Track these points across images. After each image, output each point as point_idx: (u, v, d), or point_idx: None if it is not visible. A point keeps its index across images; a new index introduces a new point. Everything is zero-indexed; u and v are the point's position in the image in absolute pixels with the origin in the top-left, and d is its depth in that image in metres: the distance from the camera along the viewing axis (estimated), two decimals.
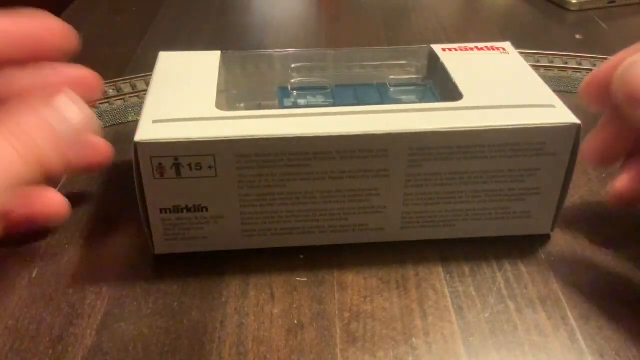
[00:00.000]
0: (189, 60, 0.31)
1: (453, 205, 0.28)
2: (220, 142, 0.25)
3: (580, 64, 0.45)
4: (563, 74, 0.44)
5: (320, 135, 0.25)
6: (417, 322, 0.25)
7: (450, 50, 0.32)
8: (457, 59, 0.31)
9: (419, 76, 0.34)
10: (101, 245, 0.29)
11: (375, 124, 0.26)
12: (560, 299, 0.26)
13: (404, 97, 0.32)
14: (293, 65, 0.33)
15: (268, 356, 0.24)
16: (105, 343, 0.24)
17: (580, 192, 0.33)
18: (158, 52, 0.32)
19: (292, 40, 0.51)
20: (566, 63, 0.45)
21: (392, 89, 0.32)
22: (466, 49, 0.32)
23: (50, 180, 0.24)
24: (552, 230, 0.29)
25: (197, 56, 0.31)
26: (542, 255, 0.29)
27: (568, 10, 0.57)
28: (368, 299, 0.26)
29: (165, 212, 0.26)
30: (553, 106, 0.27)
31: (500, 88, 0.28)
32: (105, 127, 0.38)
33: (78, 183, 0.33)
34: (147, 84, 0.34)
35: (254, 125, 0.25)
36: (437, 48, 0.33)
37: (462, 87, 0.28)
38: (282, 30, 0.54)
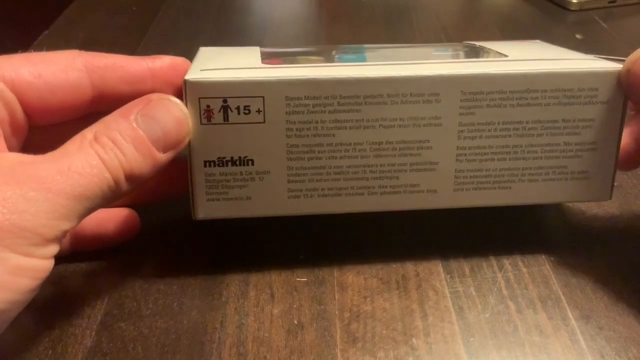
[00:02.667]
0: (230, 50, 0.31)
1: (508, 163, 0.27)
2: (270, 82, 0.24)
3: None
4: None
5: (372, 77, 0.25)
6: (417, 322, 0.25)
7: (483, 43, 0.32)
8: (494, 45, 0.31)
9: (459, 52, 0.33)
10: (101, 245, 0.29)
11: (426, 68, 0.25)
12: (561, 299, 0.26)
13: (434, 54, 0.32)
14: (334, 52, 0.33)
15: (268, 356, 0.24)
16: (105, 343, 0.24)
17: None
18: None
19: (292, 40, 0.51)
20: None
21: (434, 51, 0.32)
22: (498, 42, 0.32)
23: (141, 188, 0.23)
24: (610, 197, 0.28)
25: (238, 49, 0.31)
26: (543, 256, 0.29)
27: (568, 10, 0.57)
28: (368, 299, 0.26)
29: (209, 165, 0.25)
30: (595, 59, 0.27)
31: (544, 55, 0.28)
32: None
33: None
34: None
35: (304, 70, 0.25)
36: (469, 43, 0.32)
37: (507, 53, 0.28)
38: (282, 30, 0.54)
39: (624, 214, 0.31)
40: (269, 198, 0.26)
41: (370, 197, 0.27)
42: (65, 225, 0.21)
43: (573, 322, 0.25)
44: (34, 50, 0.48)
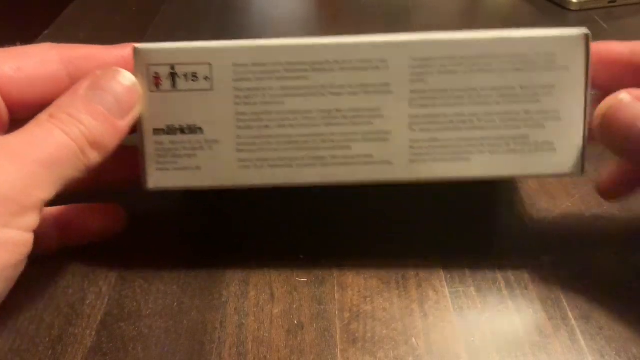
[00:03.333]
0: None
1: (465, 132, 0.26)
2: (216, 49, 0.25)
3: None
4: None
5: (318, 43, 0.25)
6: (417, 322, 0.25)
7: None
8: None
9: None
10: (101, 245, 0.29)
11: (374, 35, 0.25)
12: (561, 299, 0.26)
13: None
14: None
15: (268, 356, 0.24)
16: (105, 343, 0.24)
17: (580, 191, 0.33)
18: None
19: None
20: None
21: None
22: None
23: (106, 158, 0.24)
24: (582, 171, 0.26)
25: None
26: (543, 255, 0.28)
27: (568, 10, 0.57)
28: (368, 299, 0.26)
29: (159, 134, 0.26)
30: (562, 29, 0.26)
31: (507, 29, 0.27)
32: None
33: None
34: None
35: (252, 40, 0.25)
36: None
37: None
38: (282, 30, 0.54)
39: (625, 214, 0.31)
40: (219, 168, 0.26)
41: (323, 168, 0.26)
42: (41, 193, 0.21)
43: (573, 322, 0.25)
44: None
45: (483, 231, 0.30)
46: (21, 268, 0.22)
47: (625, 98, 0.24)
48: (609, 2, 0.57)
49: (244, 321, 0.25)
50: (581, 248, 0.29)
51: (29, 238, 0.21)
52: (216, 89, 0.25)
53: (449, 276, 0.27)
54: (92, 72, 0.24)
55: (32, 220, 0.21)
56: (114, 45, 0.27)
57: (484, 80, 0.25)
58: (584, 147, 0.26)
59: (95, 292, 0.26)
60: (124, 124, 0.24)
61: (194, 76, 0.25)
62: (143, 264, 0.28)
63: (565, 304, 0.26)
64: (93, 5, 0.58)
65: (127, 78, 0.24)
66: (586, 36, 0.25)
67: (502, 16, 0.57)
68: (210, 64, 0.25)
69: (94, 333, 0.25)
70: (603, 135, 0.24)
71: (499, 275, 0.27)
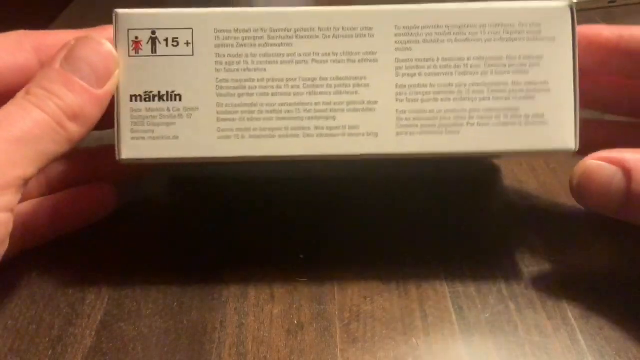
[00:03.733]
0: None
1: (453, 103, 0.25)
2: (198, 14, 0.25)
3: None
4: None
5: (302, 10, 0.25)
6: (417, 322, 0.25)
7: None
8: None
9: None
10: (101, 245, 0.29)
11: (359, 2, 0.25)
12: (561, 299, 0.26)
13: None
14: None
15: (268, 356, 0.24)
16: (105, 343, 0.24)
17: None
18: None
19: None
20: None
21: None
22: None
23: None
24: (576, 147, 0.26)
25: None
26: (543, 255, 0.28)
27: None
28: (368, 299, 0.26)
29: (136, 100, 0.25)
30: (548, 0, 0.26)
31: None
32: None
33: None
34: None
35: (236, 8, 0.25)
36: None
37: None
38: None
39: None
40: (198, 138, 0.25)
41: (306, 139, 0.25)
42: (18, 171, 0.21)
43: (573, 322, 0.25)
44: None
45: (483, 231, 0.30)
46: (2, 250, 0.21)
47: (593, 163, 0.24)
48: (609, 2, 0.57)
49: (244, 321, 0.25)
50: (581, 248, 0.29)
51: (6, 218, 0.21)
52: (197, 55, 0.25)
53: (449, 276, 0.27)
54: (67, 41, 0.24)
55: (10, 199, 0.21)
56: (88, 29, 0.27)
57: (470, 50, 0.25)
58: (576, 122, 0.26)
59: (95, 292, 0.26)
60: (103, 92, 0.24)
61: (175, 41, 0.25)
62: (143, 264, 0.28)
63: (565, 304, 0.26)
64: (93, 5, 0.58)
65: (102, 45, 0.24)
66: (571, 7, 0.25)
67: None
68: (192, 29, 0.25)
69: (93, 333, 0.25)
70: (581, 199, 0.25)
71: (499, 275, 0.27)
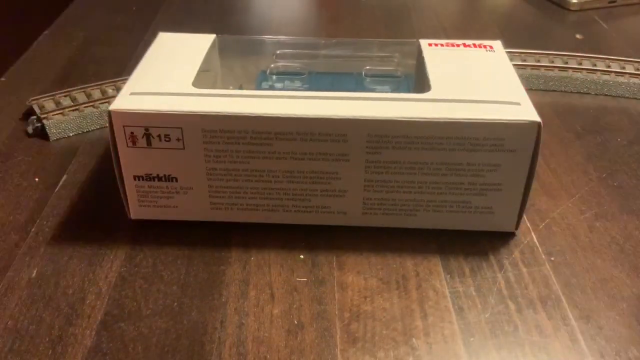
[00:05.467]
0: (183, 41, 0.32)
1: (414, 195, 0.28)
2: (187, 115, 0.26)
3: (581, 64, 0.45)
4: (563, 73, 0.44)
5: (281, 116, 0.26)
6: (417, 322, 0.25)
7: (436, 45, 0.33)
8: (439, 54, 0.32)
9: (398, 69, 0.34)
10: (101, 246, 0.29)
11: (336, 108, 0.26)
12: (560, 299, 0.26)
13: (378, 87, 0.33)
14: (278, 52, 0.34)
15: (268, 356, 0.24)
16: (105, 343, 0.24)
17: (580, 191, 0.33)
18: None
19: None
20: (566, 63, 0.45)
21: (368, 79, 0.33)
22: (453, 45, 0.33)
23: None
24: (516, 228, 0.29)
25: (193, 38, 0.33)
26: (543, 255, 0.29)
27: (568, 10, 0.57)
28: (368, 299, 0.26)
29: (139, 179, 0.28)
30: (518, 104, 0.27)
31: (471, 83, 0.29)
32: (105, 127, 0.38)
33: (76, 182, 0.33)
34: None
35: (222, 103, 0.27)
36: (424, 42, 0.33)
37: (433, 80, 0.29)
38: (282, 31, 0.54)
39: (624, 214, 0.31)
40: (194, 208, 0.29)
41: (285, 213, 0.29)
42: None
43: (573, 322, 0.25)
44: (35, 50, 0.48)
45: (483, 231, 0.30)
46: None
47: None
48: (609, 2, 0.57)
49: (244, 321, 0.25)
50: (581, 248, 0.29)
51: None
52: (187, 149, 0.27)
53: (448, 276, 0.27)
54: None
55: None
56: None
57: (434, 157, 0.27)
58: (520, 211, 0.29)
59: (95, 292, 0.26)
60: None
61: (167, 137, 0.27)
62: (143, 263, 0.28)
63: (565, 304, 0.26)
64: (93, 5, 0.58)
65: None
66: (538, 125, 0.26)
67: (502, 16, 0.57)
68: (181, 128, 0.26)
69: (94, 333, 0.25)
70: None
71: (498, 275, 0.27)
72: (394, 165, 0.27)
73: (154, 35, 0.31)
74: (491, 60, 0.31)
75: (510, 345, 0.24)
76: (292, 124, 0.26)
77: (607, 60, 0.45)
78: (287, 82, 0.33)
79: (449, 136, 0.26)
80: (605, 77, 0.44)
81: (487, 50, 0.32)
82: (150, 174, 0.28)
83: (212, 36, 0.33)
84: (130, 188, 0.28)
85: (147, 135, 0.27)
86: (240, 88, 0.33)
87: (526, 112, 0.26)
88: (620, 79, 0.43)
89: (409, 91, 0.32)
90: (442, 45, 0.33)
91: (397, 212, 0.29)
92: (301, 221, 0.29)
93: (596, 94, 0.43)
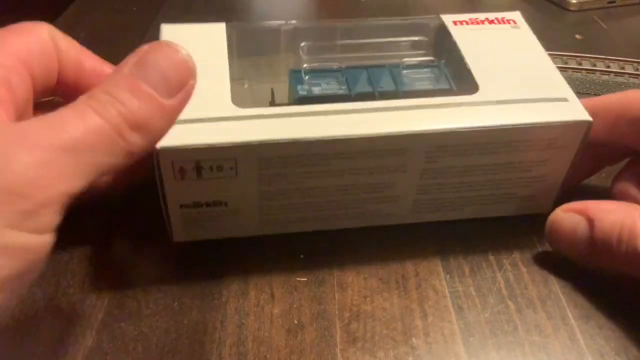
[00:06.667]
0: (194, 36, 0.29)
1: (463, 193, 0.28)
2: (241, 146, 0.24)
3: (580, 64, 0.45)
4: (563, 74, 0.44)
5: (340, 137, 0.25)
6: (417, 322, 0.25)
7: (461, 23, 0.32)
8: (469, 37, 0.31)
9: (430, 57, 0.33)
10: (102, 245, 0.29)
11: (393, 123, 0.26)
12: (560, 299, 0.26)
13: (417, 83, 0.31)
14: (302, 44, 0.32)
15: (268, 356, 0.24)
16: (105, 343, 0.24)
17: (580, 191, 0.33)
18: None
19: None
20: (566, 63, 0.45)
21: (404, 72, 0.32)
22: (477, 22, 0.32)
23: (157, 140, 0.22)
24: (551, 209, 0.29)
25: (202, 30, 0.30)
26: (542, 255, 0.29)
27: (568, 10, 0.57)
28: (368, 299, 0.26)
29: (185, 207, 0.26)
30: (566, 99, 0.27)
31: (515, 77, 0.28)
32: None
33: None
34: None
35: (275, 127, 0.25)
36: (447, 20, 0.32)
37: (477, 76, 0.28)
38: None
39: None
40: (242, 227, 0.28)
41: (335, 220, 0.29)
42: (63, 185, 0.18)
43: (573, 321, 0.25)
44: None
45: (483, 231, 0.30)
46: (31, 277, 0.18)
47: (559, 214, 0.27)
48: (609, 2, 0.57)
49: (244, 321, 0.25)
50: None
51: (44, 241, 0.18)
52: (241, 176, 0.25)
53: (448, 276, 0.27)
54: (141, 47, 0.21)
55: (50, 219, 0.18)
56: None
57: (489, 159, 0.27)
58: (557, 195, 0.29)
59: (95, 292, 0.26)
60: (173, 102, 0.21)
61: (219, 168, 0.25)
62: (144, 263, 0.28)
63: (565, 304, 0.26)
64: (93, 5, 0.58)
65: (177, 52, 0.21)
66: (589, 124, 0.26)
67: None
68: (235, 159, 0.25)
69: (94, 333, 0.25)
70: (552, 245, 0.28)
71: (498, 275, 0.27)
72: (449, 169, 0.27)
73: (154, 36, 0.31)
74: (521, 42, 0.31)
75: (510, 345, 0.24)
76: (351, 144, 0.25)
77: (606, 61, 0.45)
78: (324, 85, 0.30)
79: (505, 140, 0.26)
80: (605, 77, 0.44)
81: (512, 27, 0.32)
82: (199, 202, 0.26)
83: (222, 25, 0.30)
84: (176, 215, 0.26)
85: (198, 168, 0.25)
86: (272, 94, 0.31)
87: (576, 110, 0.27)
88: (620, 79, 0.43)
89: (449, 85, 0.30)
90: (466, 22, 0.32)
91: (445, 208, 0.29)
92: (349, 225, 0.29)
93: (595, 94, 0.43)
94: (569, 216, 0.27)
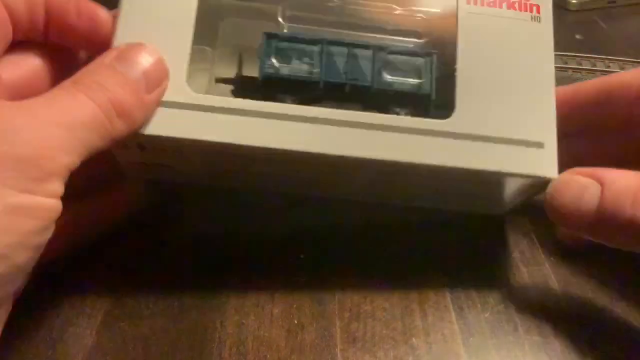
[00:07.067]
0: None
1: (417, 191, 0.28)
2: (184, 140, 0.24)
3: (580, 64, 0.45)
4: (563, 74, 0.44)
5: (282, 149, 0.24)
6: (417, 322, 0.25)
7: (475, 3, 0.27)
8: (476, 27, 0.27)
9: (422, 41, 0.30)
10: (102, 245, 0.29)
11: (347, 143, 0.24)
12: (560, 298, 0.26)
13: (395, 79, 0.28)
14: (288, 13, 0.30)
15: (268, 356, 0.24)
16: (106, 343, 0.24)
17: None
18: None
19: None
20: (566, 63, 0.45)
21: (390, 57, 0.28)
22: (495, 5, 0.28)
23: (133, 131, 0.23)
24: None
25: None
26: (542, 255, 0.28)
27: (568, 10, 0.57)
28: (368, 299, 0.26)
29: (133, 164, 0.27)
30: (542, 145, 0.25)
31: (501, 99, 0.26)
32: None
33: None
34: None
35: (222, 125, 0.24)
36: None
37: (459, 90, 0.26)
38: None
39: None
40: (193, 179, 0.28)
41: (289, 187, 0.29)
42: (65, 158, 0.20)
43: (573, 321, 0.25)
44: None
45: (482, 231, 0.30)
46: (47, 235, 0.20)
47: (566, 176, 0.24)
48: (609, 2, 0.57)
49: (244, 321, 0.25)
50: (581, 248, 0.29)
51: (55, 204, 0.20)
52: (184, 156, 0.26)
53: (448, 276, 0.27)
54: (118, 46, 0.23)
55: (57, 186, 0.20)
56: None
57: (444, 183, 0.26)
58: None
59: (95, 292, 0.26)
60: (153, 97, 0.23)
61: (163, 149, 0.26)
62: (144, 264, 0.28)
63: (564, 304, 0.26)
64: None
65: (153, 52, 0.23)
66: (549, 180, 0.25)
67: None
68: (178, 147, 0.25)
69: (94, 333, 0.25)
70: (553, 212, 0.24)
71: (498, 276, 0.27)
72: (402, 181, 0.27)
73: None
74: (531, 45, 0.27)
75: (510, 345, 0.24)
76: (293, 155, 0.24)
77: (606, 61, 0.45)
78: (294, 63, 0.28)
79: (462, 177, 0.25)
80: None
81: (532, 18, 0.28)
82: (145, 163, 0.26)
83: None
84: (126, 166, 0.27)
85: (141, 146, 0.25)
86: (240, 61, 0.29)
87: (545, 162, 0.25)
88: None
89: (430, 86, 0.28)
90: (482, 5, 0.27)
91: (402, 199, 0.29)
92: (304, 191, 0.29)
93: None
94: (576, 178, 0.24)
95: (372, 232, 0.30)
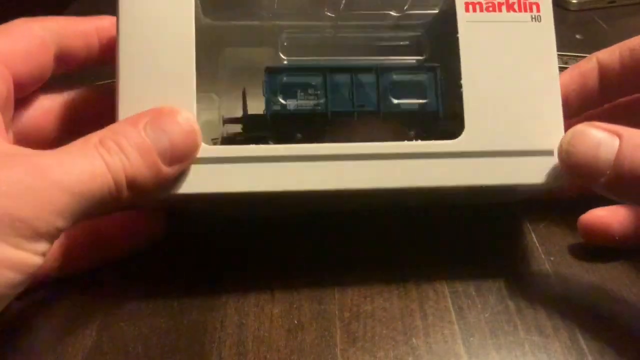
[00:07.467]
0: (158, 21, 0.28)
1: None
2: (196, 194, 0.24)
3: None
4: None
5: (301, 190, 0.25)
6: (417, 322, 0.25)
7: (474, 11, 0.27)
8: (477, 38, 0.27)
9: (425, 58, 0.30)
10: (102, 245, 0.29)
11: (360, 177, 0.25)
12: (560, 298, 0.26)
13: (402, 99, 0.28)
14: (285, 43, 0.30)
15: (268, 356, 0.24)
16: (105, 343, 0.24)
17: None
18: None
19: None
20: (566, 63, 0.45)
21: (394, 77, 0.28)
22: (494, 9, 0.27)
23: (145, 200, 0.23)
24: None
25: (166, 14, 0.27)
26: (542, 256, 0.28)
27: (568, 10, 0.57)
28: (368, 299, 0.26)
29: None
30: (551, 153, 0.25)
31: (508, 111, 0.26)
32: None
33: None
34: None
35: (236, 176, 0.24)
36: (459, 3, 0.27)
37: (467, 106, 0.26)
38: None
39: None
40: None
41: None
42: (60, 222, 0.20)
43: (573, 321, 0.25)
44: None
45: (482, 231, 0.30)
46: (20, 289, 0.20)
47: (582, 126, 0.23)
48: (609, 2, 0.57)
49: (244, 321, 0.25)
50: (580, 247, 0.29)
51: (37, 261, 0.20)
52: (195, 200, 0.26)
53: (448, 276, 0.27)
54: (158, 108, 0.23)
55: (45, 246, 0.20)
56: (90, 17, 0.27)
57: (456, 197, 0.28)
58: None
59: (95, 292, 0.26)
60: (170, 171, 0.22)
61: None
62: (145, 264, 0.28)
63: (564, 303, 0.26)
64: (93, 5, 0.58)
65: (189, 124, 0.23)
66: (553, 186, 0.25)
67: None
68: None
69: (94, 333, 0.25)
70: (567, 163, 0.24)
71: (498, 275, 0.27)
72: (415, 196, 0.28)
73: None
74: (533, 47, 0.27)
75: (510, 344, 0.24)
76: (312, 195, 0.25)
77: None
78: (300, 97, 0.28)
79: (474, 193, 0.26)
80: None
81: (532, 18, 0.27)
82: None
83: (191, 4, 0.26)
84: None
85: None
86: (244, 94, 0.29)
87: (557, 168, 0.25)
88: None
89: (437, 101, 0.28)
90: (480, 6, 0.27)
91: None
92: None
93: None
94: (594, 130, 0.23)
95: (372, 232, 0.30)
